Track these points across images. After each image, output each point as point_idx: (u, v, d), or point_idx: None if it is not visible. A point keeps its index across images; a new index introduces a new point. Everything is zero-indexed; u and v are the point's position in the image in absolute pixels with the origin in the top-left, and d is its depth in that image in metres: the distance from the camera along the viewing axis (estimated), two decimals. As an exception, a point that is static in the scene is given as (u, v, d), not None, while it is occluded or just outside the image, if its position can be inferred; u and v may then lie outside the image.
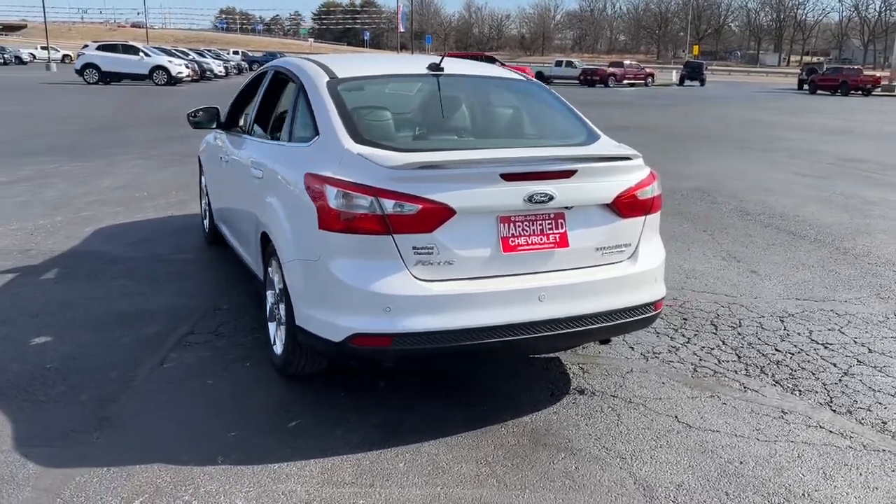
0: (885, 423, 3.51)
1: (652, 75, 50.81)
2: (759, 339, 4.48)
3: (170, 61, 33.34)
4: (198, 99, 23.77)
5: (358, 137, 3.34)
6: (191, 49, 51.30)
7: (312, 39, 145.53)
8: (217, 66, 44.39)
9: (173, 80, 32.86)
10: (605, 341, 4.13)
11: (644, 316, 3.55)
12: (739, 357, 4.21)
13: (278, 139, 4.09)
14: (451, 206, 3.07)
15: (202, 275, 5.47)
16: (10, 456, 3.01)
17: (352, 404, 3.54)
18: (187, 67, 34.10)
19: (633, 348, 4.29)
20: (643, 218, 3.53)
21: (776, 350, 4.32)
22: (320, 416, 3.44)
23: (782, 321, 4.79)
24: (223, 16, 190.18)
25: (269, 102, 4.60)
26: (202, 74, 39.07)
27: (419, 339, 3.08)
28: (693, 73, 52.11)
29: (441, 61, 3.96)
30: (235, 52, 72.82)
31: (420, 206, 3.04)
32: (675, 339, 4.44)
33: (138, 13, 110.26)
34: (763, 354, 4.26)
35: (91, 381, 3.68)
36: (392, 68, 4.42)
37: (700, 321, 4.75)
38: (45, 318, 4.49)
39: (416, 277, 3.09)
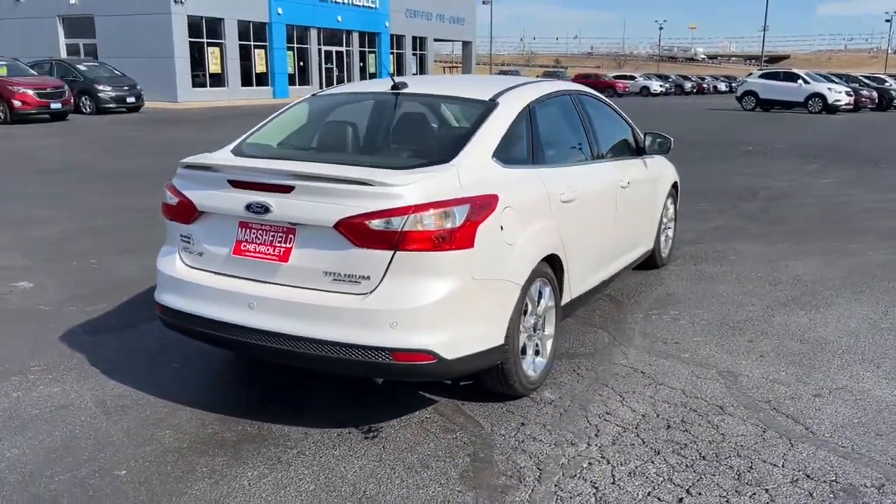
0: None
1: None
2: (712, 482, 3.05)
3: (829, 88, 31.68)
4: (833, 129, 22.57)
5: (236, 145, 3.94)
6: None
7: None
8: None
9: (830, 108, 31.20)
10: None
11: (376, 361, 3.15)
12: (602, 480, 3.05)
13: None
14: (194, 203, 3.47)
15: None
16: (58, 325, 4.81)
17: (197, 379, 4.11)
18: (848, 95, 31.80)
19: (541, 428, 3.53)
20: (390, 252, 3.10)
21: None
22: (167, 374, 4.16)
23: (810, 478, 3.04)
24: None
25: None
26: (886, 102, 35.66)
27: (172, 316, 3.61)
28: None
29: (395, 82, 4.05)
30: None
31: (178, 200, 3.55)
32: (591, 432, 3.41)
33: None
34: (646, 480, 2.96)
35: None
36: (368, 87, 4.55)
37: (680, 439, 3.41)
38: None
39: (182, 261, 3.61)
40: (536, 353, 3.92)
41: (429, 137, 4.00)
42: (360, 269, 3.17)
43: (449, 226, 3.15)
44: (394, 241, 3.10)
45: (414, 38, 49.10)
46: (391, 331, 3.12)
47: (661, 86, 56.61)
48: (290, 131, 4.21)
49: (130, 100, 25.15)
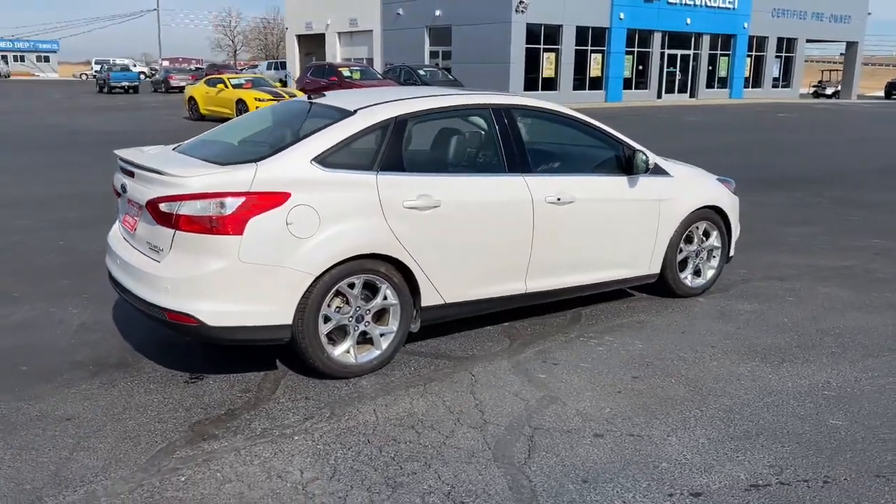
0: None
1: None
2: None
3: None
4: None
5: (189, 141, 4.97)
6: None
7: None
8: None
9: None
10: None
11: (160, 318, 3.95)
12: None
13: None
14: (114, 185, 4.58)
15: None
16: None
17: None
18: None
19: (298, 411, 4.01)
20: (172, 231, 3.86)
21: None
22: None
23: None
24: None
25: None
26: None
27: (107, 270, 4.78)
28: None
29: (310, 95, 4.73)
30: None
31: (112, 182, 4.70)
32: (344, 418, 3.76)
33: None
34: None
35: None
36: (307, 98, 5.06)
37: (406, 439, 3.58)
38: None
39: (116, 229, 4.76)
40: (369, 343, 4.29)
41: (280, 140, 4.55)
42: (159, 242, 3.99)
43: (220, 214, 3.78)
44: (170, 221, 3.86)
45: (779, 40, 45.32)
46: (166, 294, 3.89)
47: None
48: (232, 132, 5.10)
49: (455, 101, 27.96)
